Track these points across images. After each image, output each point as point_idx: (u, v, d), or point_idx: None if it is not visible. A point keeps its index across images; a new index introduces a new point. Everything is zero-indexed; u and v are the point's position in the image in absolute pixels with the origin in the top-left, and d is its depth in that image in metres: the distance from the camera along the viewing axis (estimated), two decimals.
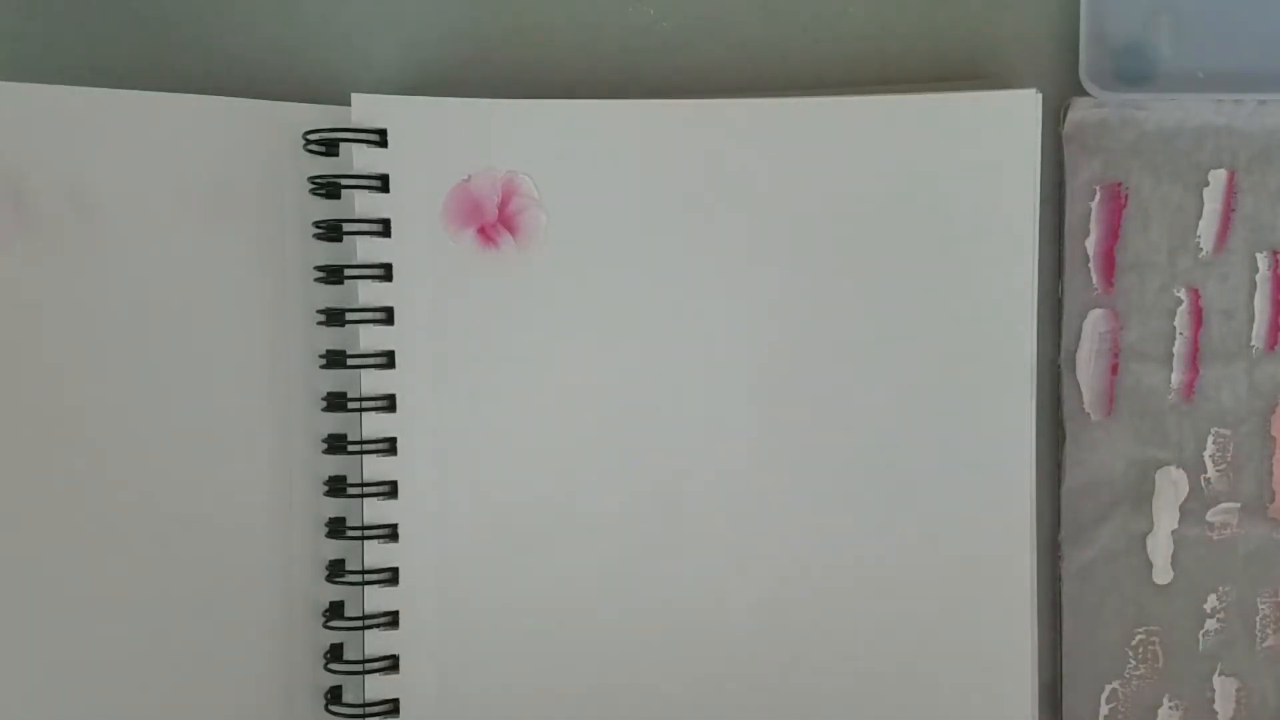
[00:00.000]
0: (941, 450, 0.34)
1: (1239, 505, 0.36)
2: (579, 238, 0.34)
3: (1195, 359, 0.36)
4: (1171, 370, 0.36)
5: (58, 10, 0.35)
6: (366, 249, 0.33)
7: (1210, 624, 0.36)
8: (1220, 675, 0.36)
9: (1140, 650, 0.36)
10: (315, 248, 0.34)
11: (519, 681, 0.34)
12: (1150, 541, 0.36)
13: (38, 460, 0.31)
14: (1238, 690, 0.36)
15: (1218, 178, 0.36)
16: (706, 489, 0.34)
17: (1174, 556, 0.36)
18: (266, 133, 0.33)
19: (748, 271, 0.34)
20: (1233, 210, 0.36)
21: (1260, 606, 0.36)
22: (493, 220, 0.34)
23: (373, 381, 0.34)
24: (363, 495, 0.34)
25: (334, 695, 0.34)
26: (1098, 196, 0.36)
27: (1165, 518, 0.36)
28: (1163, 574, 0.36)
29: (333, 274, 0.34)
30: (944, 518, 0.34)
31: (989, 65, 0.36)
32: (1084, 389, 0.36)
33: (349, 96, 0.33)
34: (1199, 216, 0.36)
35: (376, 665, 0.34)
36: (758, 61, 0.37)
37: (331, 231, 0.33)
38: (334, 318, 0.34)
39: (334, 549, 0.34)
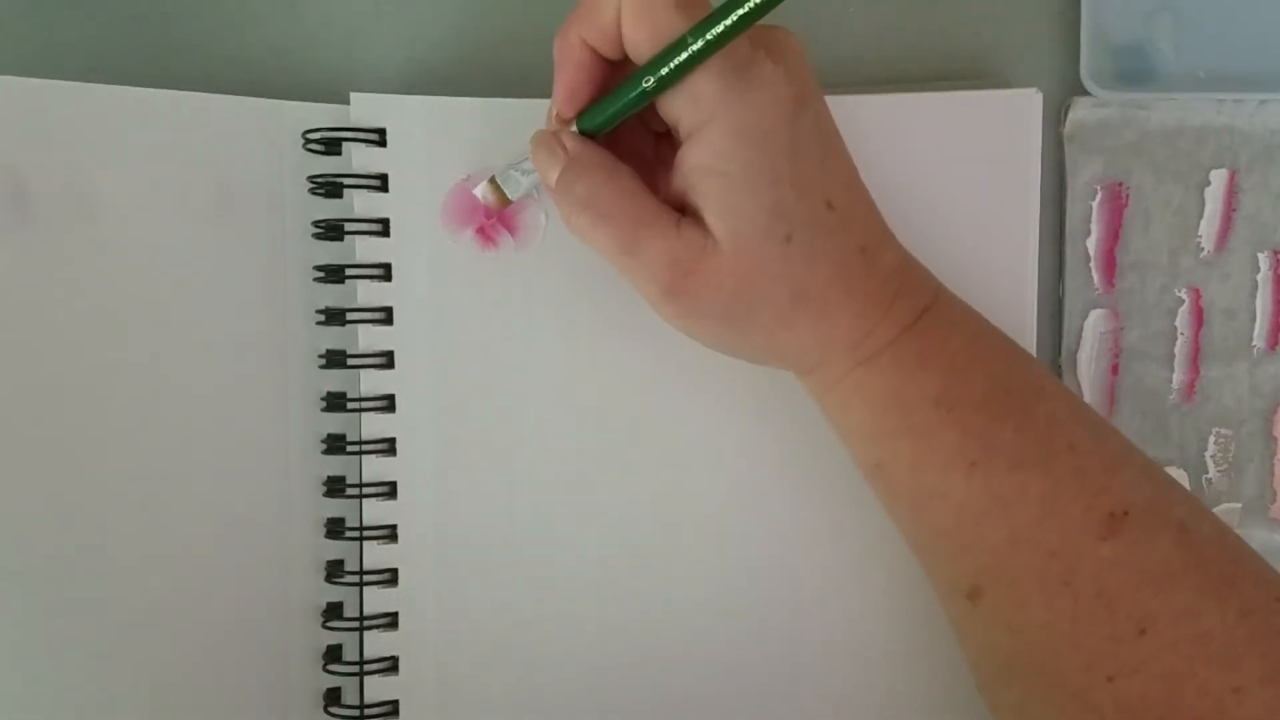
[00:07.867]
0: None
1: (1240, 506, 0.36)
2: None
3: (1196, 359, 0.36)
4: (1173, 370, 0.36)
5: (58, 9, 0.35)
6: (366, 248, 0.33)
7: None
8: None
9: None
10: (315, 247, 0.34)
11: (519, 683, 0.34)
12: None
13: (35, 457, 0.31)
14: None
15: (1219, 177, 0.36)
16: (706, 487, 0.34)
17: None
18: (267, 131, 0.33)
19: None
20: (1234, 210, 0.36)
21: None
22: (492, 220, 0.34)
23: (372, 382, 0.33)
24: (361, 496, 0.33)
25: (332, 697, 0.34)
26: (1099, 196, 0.36)
27: None
28: None
29: (333, 273, 0.33)
30: None
31: (990, 65, 0.36)
32: (1085, 389, 0.36)
33: (349, 96, 0.33)
34: (1200, 216, 0.36)
35: (376, 666, 0.33)
36: None
37: (331, 231, 0.33)
38: (334, 317, 0.33)
39: (332, 549, 0.34)
